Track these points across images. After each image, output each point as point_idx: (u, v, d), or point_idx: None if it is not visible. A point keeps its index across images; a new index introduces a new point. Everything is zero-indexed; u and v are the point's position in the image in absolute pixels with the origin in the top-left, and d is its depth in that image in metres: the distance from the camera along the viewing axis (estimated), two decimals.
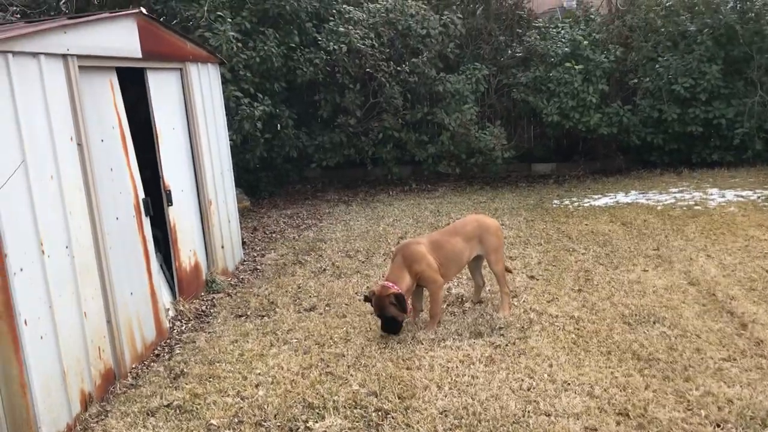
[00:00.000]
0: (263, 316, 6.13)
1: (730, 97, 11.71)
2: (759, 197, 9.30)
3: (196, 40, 7.43)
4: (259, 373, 4.86)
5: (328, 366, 4.90)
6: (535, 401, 4.19)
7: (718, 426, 3.78)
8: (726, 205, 9.03)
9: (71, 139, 4.56)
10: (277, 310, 6.26)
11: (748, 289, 5.86)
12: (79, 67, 4.69)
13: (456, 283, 6.60)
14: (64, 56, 4.53)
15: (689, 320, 5.29)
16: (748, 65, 11.73)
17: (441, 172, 12.48)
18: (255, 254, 8.40)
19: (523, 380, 4.48)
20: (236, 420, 4.20)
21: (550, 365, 4.67)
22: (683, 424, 3.81)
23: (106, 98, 5.23)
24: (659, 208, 9.29)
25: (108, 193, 5.03)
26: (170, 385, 4.80)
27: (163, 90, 6.32)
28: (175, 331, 5.92)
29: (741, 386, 4.19)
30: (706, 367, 4.49)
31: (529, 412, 4.06)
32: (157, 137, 6.11)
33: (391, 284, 5.29)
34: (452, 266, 5.62)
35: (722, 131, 11.75)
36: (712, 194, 9.79)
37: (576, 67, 11.82)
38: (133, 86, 6.00)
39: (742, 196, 9.47)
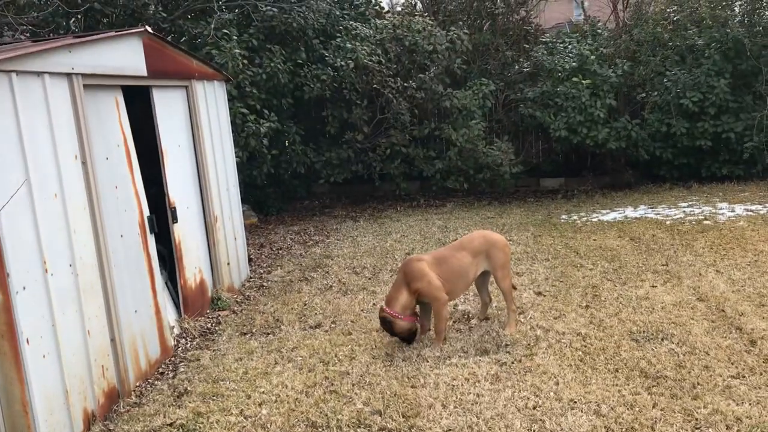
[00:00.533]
0: (268, 334, 6.10)
1: (739, 111, 11.66)
2: None
3: (201, 58, 7.48)
4: (263, 392, 4.83)
5: (332, 384, 4.86)
6: (540, 420, 4.13)
7: None
8: (735, 220, 8.96)
9: (75, 157, 4.58)
10: (282, 327, 6.24)
11: (757, 305, 5.79)
12: (84, 85, 4.72)
13: (462, 300, 6.56)
14: (69, 75, 4.56)
15: (698, 337, 5.23)
16: (756, 79, 11.69)
17: (449, 188, 12.47)
18: (261, 271, 8.39)
19: (528, 398, 4.43)
20: None
21: (557, 383, 4.62)
22: None
23: (111, 116, 5.25)
24: (668, 222, 9.23)
25: (112, 211, 5.04)
26: (174, 403, 4.78)
27: (168, 107, 6.35)
28: (180, 348, 5.91)
29: (750, 404, 4.12)
30: (714, 385, 4.43)
31: (534, 431, 4.01)
32: (162, 155, 6.13)
33: (384, 307, 5.40)
34: (459, 282, 5.58)
35: (731, 145, 11.69)
36: (721, 209, 9.71)
37: (583, 81, 11.81)
38: (139, 103, 6.03)
39: (751, 211, 9.39)
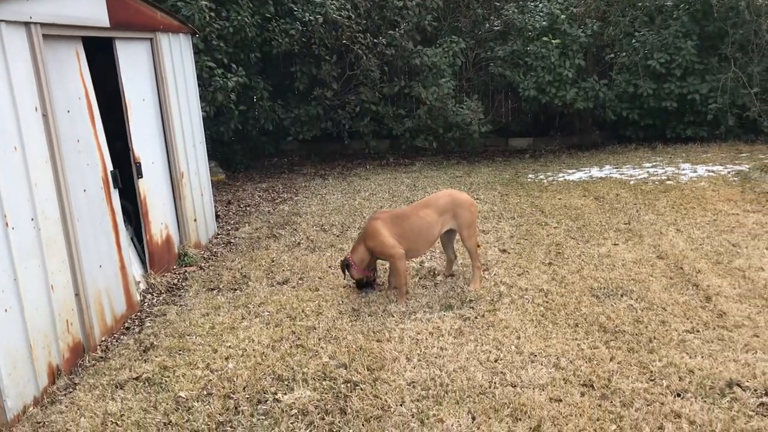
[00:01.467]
0: (235, 290, 6.12)
1: (705, 73, 11.78)
2: (729, 172, 9.42)
3: (167, 10, 7.29)
4: (230, 346, 4.87)
5: (298, 339, 4.92)
6: (502, 372, 4.24)
7: (679, 396, 3.85)
8: (697, 180, 9.14)
9: (36, 109, 4.48)
10: (249, 283, 6.26)
11: (714, 263, 5.95)
12: (44, 36, 4.59)
13: (428, 257, 6.64)
14: (27, 24, 4.43)
15: (656, 293, 5.37)
16: (722, 41, 11.79)
17: (418, 147, 12.48)
18: (229, 228, 8.37)
19: (490, 352, 4.53)
20: (205, 392, 4.21)
21: (518, 337, 4.73)
22: (645, 395, 3.88)
23: (72, 68, 5.13)
24: (632, 182, 9.38)
25: (75, 165, 4.96)
26: (140, 357, 4.80)
27: (132, 60, 6.21)
28: (146, 304, 5.90)
29: (702, 357, 4.27)
30: (670, 339, 4.57)
31: (495, 383, 4.11)
32: (126, 108, 6.02)
33: (348, 256, 5.74)
34: (420, 240, 5.64)
35: (696, 107, 11.85)
36: (684, 169, 9.89)
37: (553, 41, 11.81)
38: (102, 56, 5.90)
39: (713, 171, 9.58)
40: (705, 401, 3.78)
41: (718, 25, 11.73)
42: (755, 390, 3.84)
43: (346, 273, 5.79)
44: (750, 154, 10.60)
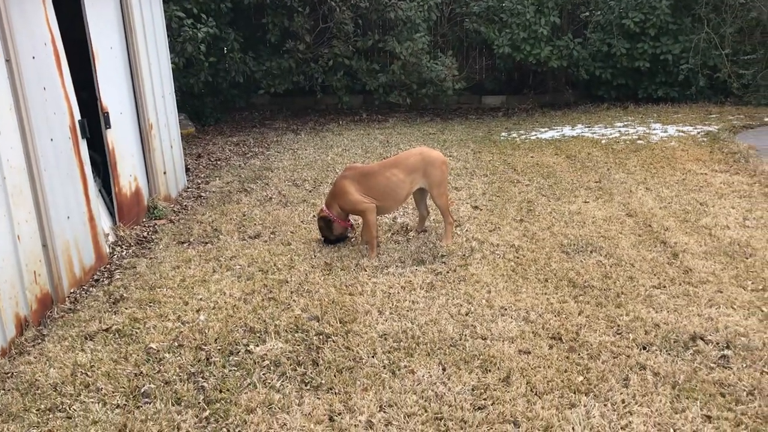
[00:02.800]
0: (206, 243, 6.07)
1: (678, 33, 11.82)
2: (699, 132, 9.52)
3: None
4: (201, 299, 4.85)
5: (270, 292, 4.91)
6: (472, 325, 4.29)
7: (644, 349, 3.94)
8: (667, 140, 9.23)
9: None
10: (220, 237, 6.21)
11: (681, 221, 6.05)
12: None
13: (402, 213, 6.64)
14: None
15: (625, 250, 5.45)
16: (696, 1, 11.80)
17: (392, 103, 12.39)
18: (199, 181, 8.27)
19: (461, 306, 4.58)
20: (176, 344, 4.20)
21: (489, 291, 4.78)
22: (612, 347, 3.96)
23: (37, 13, 4.95)
24: (603, 141, 9.44)
25: (41, 114, 4.82)
26: (109, 309, 4.76)
27: (99, 7, 6.01)
28: (116, 256, 5.83)
29: (668, 312, 4.37)
30: (637, 294, 4.66)
31: (466, 335, 4.17)
32: (93, 57, 5.85)
33: (324, 208, 5.74)
34: (387, 199, 5.62)
35: (668, 67, 11.91)
36: (655, 129, 9.98)
37: None
38: (68, 4, 5.69)
39: (683, 132, 9.68)
40: (669, 354, 3.87)
41: None
42: (717, 343, 3.95)
43: (330, 228, 5.76)
44: (719, 115, 10.72)
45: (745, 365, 3.71)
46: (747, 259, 5.14)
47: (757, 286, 4.68)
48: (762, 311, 4.31)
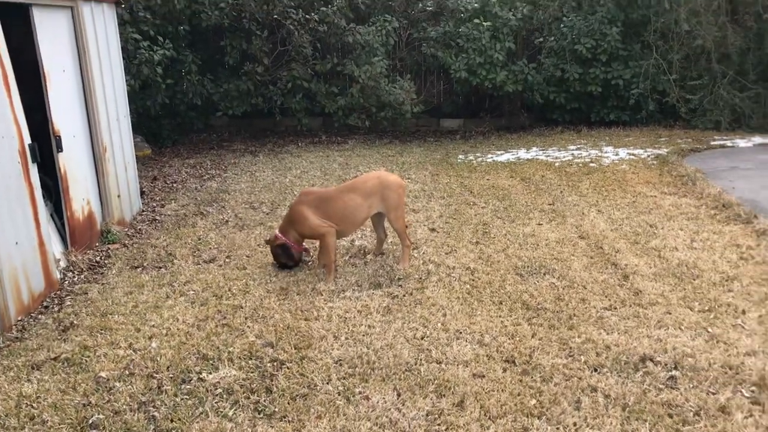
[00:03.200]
0: (160, 268, 5.99)
1: (628, 59, 12.16)
2: (648, 156, 9.78)
3: None
4: (153, 325, 4.77)
5: (225, 318, 4.87)
6: (427, 349, 4.31)
7: (596, 370, 4.01)
8: (619, 163, 9.45)
9: None
10: (175, 261, 6.13)
11: (632, 243, 6.19)
12: None
13: (359, 236, 6.65)
14: None
15: (577, 272, 5.55)
16: (645, 28, 12.18)
17: (351, 125, 12.44)
18: (154, 204, 8.16)
19: (417, 329, 4.60)
20: (127, 372, 4.12)
21: (444, 315, 4.81)
22: (564, 370, 4.02)
23: None
24: (557, 164, 9.62)
25: None
26: (59, 337, 4.65)
27: (51, 29, 5.94)
28: (67, 282, 5.71)
29: (618, 333, 4.45)
30: (588, 316, 4.74)
31: (421, 359, 4.18)
32: (45, 79, 5.76)
33: (280, 235, 5.69)
34: (345, 223, 5.64)
35: (619, 92, 12.23)
36: (607, 152, 10.21)
37: (484, 23, 11.94)
38: (19, 25, 5.61)
39: (633, 155, 9.93)
40: (620, 375, 3.94)
41: (641, 13, 12.12)
42: (665, 364, 4.04)
43: (288, 254, 5.73)
44: (669, 139, 11.02)
45: (691, 386, 3.80)
46: (694, 280, 5.28)
47: (704, 306, 4.81)
48: (708, 332, 4.43)
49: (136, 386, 3.96)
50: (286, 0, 11.29)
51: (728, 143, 10.62)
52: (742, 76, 11.69)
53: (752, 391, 3.73)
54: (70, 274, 5.85)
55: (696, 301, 4.90)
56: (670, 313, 4.73)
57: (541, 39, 12.97)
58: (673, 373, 3.94)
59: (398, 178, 5.90)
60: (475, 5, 12.20)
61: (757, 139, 10.80)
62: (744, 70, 11.73)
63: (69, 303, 5.27)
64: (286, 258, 5.77)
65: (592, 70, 12.11)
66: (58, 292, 5.50)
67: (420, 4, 13.09)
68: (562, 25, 12.39)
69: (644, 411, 3.57)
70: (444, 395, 3.78)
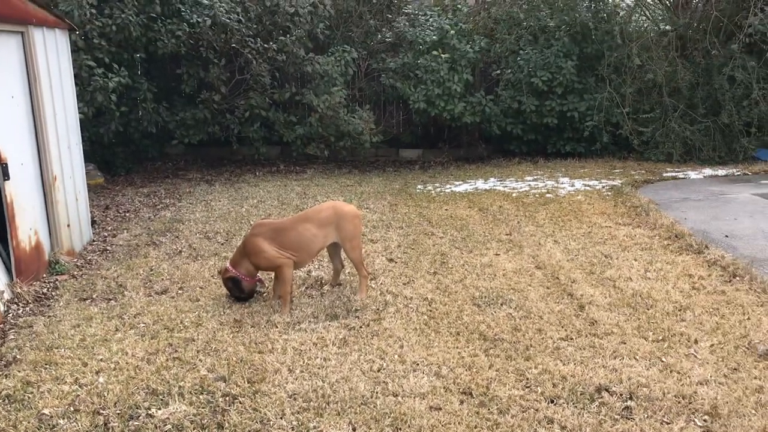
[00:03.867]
0: (110, 300, 5.82)
1: (583, 92, 12.42)
2: (603, 187, 9.95)
3: (41, 3, 6.87)
4: (101, 359, 4.61)
5: (176, 351, 4.73)
6: (384, 382, 4.24)
7: (552, 402, 3.99)
8: (574, 194, 9.59)
9: None
10: (125, 293, 5.97)
11: (588, 273, 6.24)
12: None
13: (316, 266, 6.58)
14: None
15: (534, 302, 5.57)
16: (599, 62, 12.48)
17: (310, 154, 12.39)
18: (106, 234, 7.96)
19: (374, 361, 4.53)
20: (72, 409, 3.96)
21: (401, 346, 4.76)
22: (521, 401, 4.00)
23: None
24: (514, 195, 9.72)
25: None
26: (0, 373, 4.45)
27: (0, 54, 5.80)
28: (11, 315, 5.50)
29: (575, 364, 4.45)
30: (545, 347, 4.74)
31: (377, 392, 4.11)
32: None
33: (230, 267, 5.60)
34: (302, 253, 5.57)
35: (575, 123, 12.46)
36: (563, 183, 10.36)
37: (443, 55, 12.09)
38: None
39: (589, 186, 10.09)
40: (576, 406, 3.93)
41: (595, 47, 12.43)
42: (621, 394, 4.04)
43: (239, 288, 5.64)
44: (623, 170, 11.25)
45: (646, 416, 3.81)
46: (648, 310, 5.34)
47: (658, 336, 4.85)
48: (662, 361, 4.46)
49: (81, 423, 3.81)
50: (245, 29, 11.27)
51: (680, 175, 10.89)
52: (692, 110, 12.04)
53: (704, 420, 3.75)
54: (14, 307, 5.64)
55: (650, 331, 4.94)
56: (625, 343, 4.75)
57: (498, 71, 13.18)
58: (629, 403, 3.95)
59: (354, 208, 5.86)
60: (434, 37, 12.35)
61: (708, 171, 11.10)
62: (694, 104, 12.08)
63: (12, 337, 5.07)
64: (237, 291, 5.66)
65: (548, 102, 12.33)
66: (1, 326, 5.28)
67: (379, 36, 13.21)
68: (518, 58, 12.61)
69: None
70: (400, 429, 3.72)
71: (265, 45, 11.45)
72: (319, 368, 4.45)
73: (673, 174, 10.95)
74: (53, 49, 6.81)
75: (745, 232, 7.37)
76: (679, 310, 5.31)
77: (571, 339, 4.87)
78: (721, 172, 11.05)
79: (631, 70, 12.21)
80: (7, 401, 4.08)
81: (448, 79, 12.08)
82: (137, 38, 10.40)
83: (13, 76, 6.06)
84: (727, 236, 7.25)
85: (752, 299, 5.50)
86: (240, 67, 11.62)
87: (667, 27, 12.88)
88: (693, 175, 10.89)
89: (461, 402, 4.01)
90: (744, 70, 11.52)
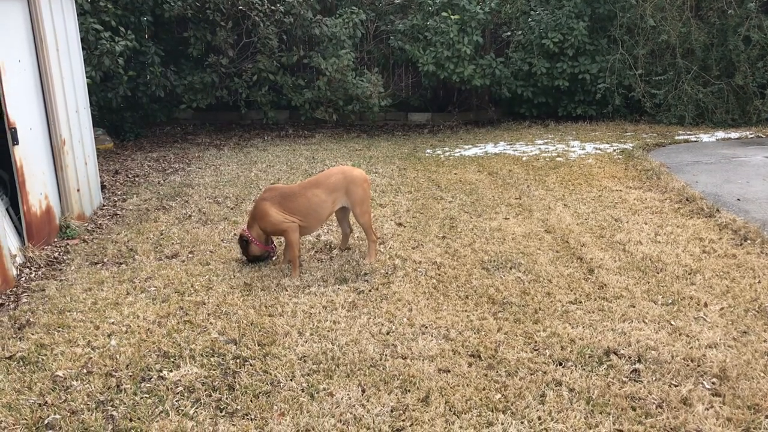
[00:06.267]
0: (121, 264, 5.86)
1: (595, 54, 12.25)
2: (614, 150, 9.86)
3: None
4: (113, 323, 4.66)
5: (186, 314, 4.77)
6: (393, 345, 4.27)
7: (560, 364, 4.01)
8: (585, 157, 9.51)
9: None
10: (136, 257, 6.00)
11: (597, 237, 6.22)
12: None
13: (325, 231, 6.59)
14: None
15: (543, 266, 5.56)
16: (612, 23, 12.28)
17: (318, 119, 12.33)
18: (116, 199, 7.99)
19: (383, 324, 4.55)
20: (85, 371, 4.01)
21: (410, 310, 4.78)
22: (529, 364, 4.01)
23: None
24: (524, 159, 9.65)
25: None
26: (14, 335, 4.51)
27: (4, 18, 5.76)
28: (23, 278, 5.55)
29: (583, 327, 4.46)
30: (554, 310, 4.75)
31: (386, 355, 4.14)
32: None
33: (245, 229, 5.67)
34: (309, 218, 5.58)
35: (586, 86, 12.31)
36: (573, 147, 10.27)
37: (452, 17, 11.91)
38: None
39: (600, 149, 10.00)
40: (584, 369, 3.94)
41: (608, 8, 12.21)
42: (629, 357, 4.05)
43: (247, 249, 5.69)
44: (634, 133, 11.14)
45: (654, 378, 3.82)
46: (658, 273, 5.32)
47: (667, 300, 4.84)
48: (671, 325, 4.46)
49: (94, 385, 3.86)
50: None
51: (692, 138, 10.77)
52: (706, 72, 11.85)
53: (713, 383, 3.76)
54: (26, 271, 5.69)
55: (659, 295, 4.94)
56: (634, 307, 4.75)
57: (509, 33, 13.00)
58: (637, 366, 3.95)
59: (362, 172, 5.84)
60: None
61: (720, 134, 10.97)
62: (707, 65, 11.89)
63: (25, 300, 5.12)
64: (244, 252, 5.73)
65: (559, 64, 12.17)
66: (14, 289, 5.34)
67: None
68: (529, 19, 12.43)
69: (608, 404, 3.58)
70: (409, 391, 3.74)
71: (273, 7, 11.32)
72: (328, 331, 4.48)
73: (685, 137, 10.82)
74: (59, 12, 6.75)
75: (757, 196, 7.30)
76: (689, 274, 5.29)
77: (580, 302, 4.87)
78: (733, 134, 10.92)
79: (644, 31, 12.01)
80: (21, 363, 4.14)
81: (458, 41, 11.92)
82: (144, 1, 10.30)
83: (19, 40, 6.02)
84: (738, 200, 7.19)
85: (763, 262, 5.47)
86: (247, 29, 11.51)
87: None
88: (705, 138, 10.77)
89: (469, 364, 4.03)
90: (760, 30, 11.31)
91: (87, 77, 7.66)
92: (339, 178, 5.67)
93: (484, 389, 3.75)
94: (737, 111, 11.75)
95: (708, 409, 3.52)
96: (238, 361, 4.10)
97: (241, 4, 11.07)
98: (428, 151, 10.62)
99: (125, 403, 3.67)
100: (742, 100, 11.75)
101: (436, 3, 12.12)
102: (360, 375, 3.92)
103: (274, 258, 5.91)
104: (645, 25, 11.89)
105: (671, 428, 3.37)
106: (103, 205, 7.68)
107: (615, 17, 12.18)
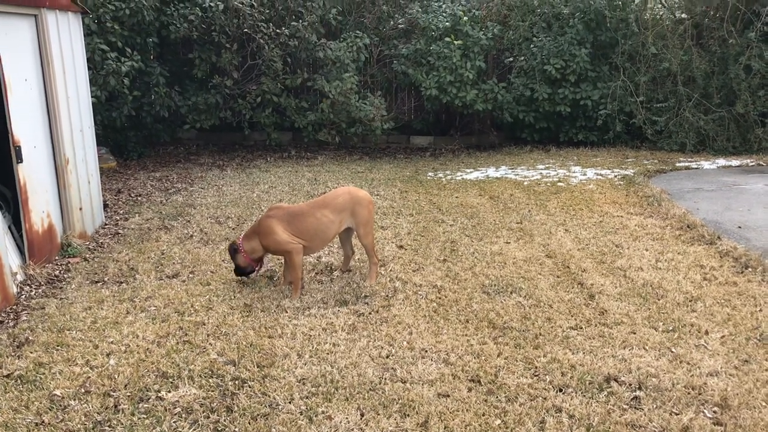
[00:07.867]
0: (121, 283, 5.86)
1: (596, 80, 12.33)
2: (615, 176, 9.89)
3: None
4: (112, 342, 4.65)
5: (186, 334, 4.76)
6: (392, 368, 4.25)
7: (561, 391, 3.99)
8: (586, 183, 9.54)
9: None
10: (136, 276, 6.00)
11: (598, 262, 6.22)
12: None
13: (326, 252, 6.59)
14: None
15: (543, 291, 5.55)
16: (613, 50, 12.38)
17: (321, 140, 12.39)
18: (118, 218, 8.01)
19: (382, 348, 4.54)
20: (83, 390, 3.99)
21: (410, 333, 4.76)
22: (529, 389, 4.00)
23: None
24: (526, 183, 9.68)
25: None
26: (12, 354, 4.50)
27: (12, 37, 5.82)
28: (24, 296, 5.55)
29: (584, 353, 4.45)
30: (554, 336, 4.73)
31: (385, 379, 4.12)
32: (5, 88, 5.63)
33: (240, 238, 5.67)
34: (315, 239, 5.58)
35: (588, 112, 12.38)
36: (574, 172, 10.30)
37: (455, 42, 12.02)
38: None
39: (601, 175, 10.03)
40: (584, 396, 3.93)
41: (610, 35, 12.31)
42: (630, 384, 4.03)
43: (234, 258, 5.68)
44: (635, 160, 11.17)
45: (655, 406, 3.80)
46: (659, 300, 5.31)
47: (668, 326, 4.83)
48: (672, 352, 4.44)
49: (92, 405, 3.84)
50: (257, 14, 11.25)
51: (693, 165, 10.80)
52: (707, 100, 11.92)
53: (714, 412, 3.74)
54: (27, 288, 5.69)
55: (660, 321, 4.92)
56: (634, 333, 4.74)
57: (511, 58, 13.10)
58: (637, 393, 3.94)
59: (368, 193, 5.87)
60: (447, 24, 12.27)
61: (721, 161, 11.01)
62: (708, 93, 11.96)
63: (25, 318, 5.12)
64: (231, 259, 5.73)
65: (561, 90, 12.25)
66: (14, 307, 5.33)
67: (392, 22, 13.14)
68: (532, 46, 12.53)
69: (608, 431, 3.55)
70: (408, 415, 3.73)
71: (278, 30, 11.43)
72: (328, 353, 4.46)
73: (686, 164, 10.86)
74: (66, 32, 6.82)
75: (758, 224, 7.31)
76: (690, 301, 5.29)
77: (581, 328, 4.86)
78: (734, 162, 10.95)
79: (645, 59, 12.10)
80: (19, 382, 4.12)
81: (461, 66, 12.02)
82: (150, 22, 10.41)
83: (26, 59, 6.08)
84: (740, 227, 7.20)
85: (765, 291, 5.46)
86: (252, 52, 11.61)
87: (683, 15, 12.73)
88: (706, 165, 10.80)
89: (469, 389, 4.01)
90: (761, 59, 11.39)
91: (92, 97, 7.71)
92: (346, 198, 5.69)
93: (483, 415, 3.73)
94: (738, 139, 11.80)
95: None
96: (236, 382, 4.09)
97: (247, 27, 11.18)
98: (430, 174, 10.65)
99: (122, 424, 3.66)
100: (743, 128, 11.81)
101: (440, 28, 12.23)
102: (359, 398, 3.90)
103: (255, 276, 5.90)
104: (646, 52, 11.99)
105: None
106: (105, 224, 7.69)
107: (617, 44, 12.28)
